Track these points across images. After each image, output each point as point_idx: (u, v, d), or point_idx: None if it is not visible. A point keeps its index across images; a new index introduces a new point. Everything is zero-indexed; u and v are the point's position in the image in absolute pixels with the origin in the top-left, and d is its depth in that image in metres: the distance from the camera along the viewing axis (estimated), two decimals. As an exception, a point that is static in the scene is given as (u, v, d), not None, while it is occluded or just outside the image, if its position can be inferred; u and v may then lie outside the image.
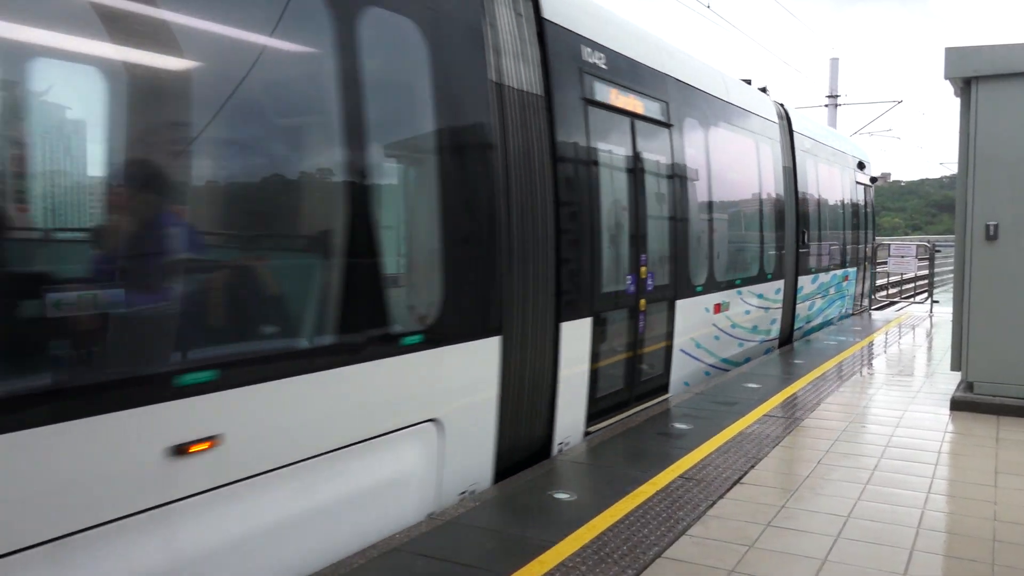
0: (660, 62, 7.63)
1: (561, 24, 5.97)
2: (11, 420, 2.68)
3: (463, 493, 4.86)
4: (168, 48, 3.29)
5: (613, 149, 6.67)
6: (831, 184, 13.26)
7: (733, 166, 9.32)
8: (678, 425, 6.51)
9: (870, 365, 9.60)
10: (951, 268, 8.53)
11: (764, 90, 11.29)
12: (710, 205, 8.54)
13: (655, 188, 7.35)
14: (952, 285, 7.99)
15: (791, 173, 11.16)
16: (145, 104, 3.28)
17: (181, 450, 3.21)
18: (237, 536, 3.49)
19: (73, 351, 2.97)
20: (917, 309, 16.54)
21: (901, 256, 16.08)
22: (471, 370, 4.88)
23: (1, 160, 2.88)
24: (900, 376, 8.93)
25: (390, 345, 4.21)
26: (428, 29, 4.59)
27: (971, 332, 7.21)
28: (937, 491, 5.02)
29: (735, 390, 7.93)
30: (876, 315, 15.43)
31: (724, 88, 9.24)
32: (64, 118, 3.24)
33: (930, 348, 11.15)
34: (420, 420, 4.51)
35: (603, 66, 6.48)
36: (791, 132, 11.33)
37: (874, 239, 16.85)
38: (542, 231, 5.54)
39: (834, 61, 28.55)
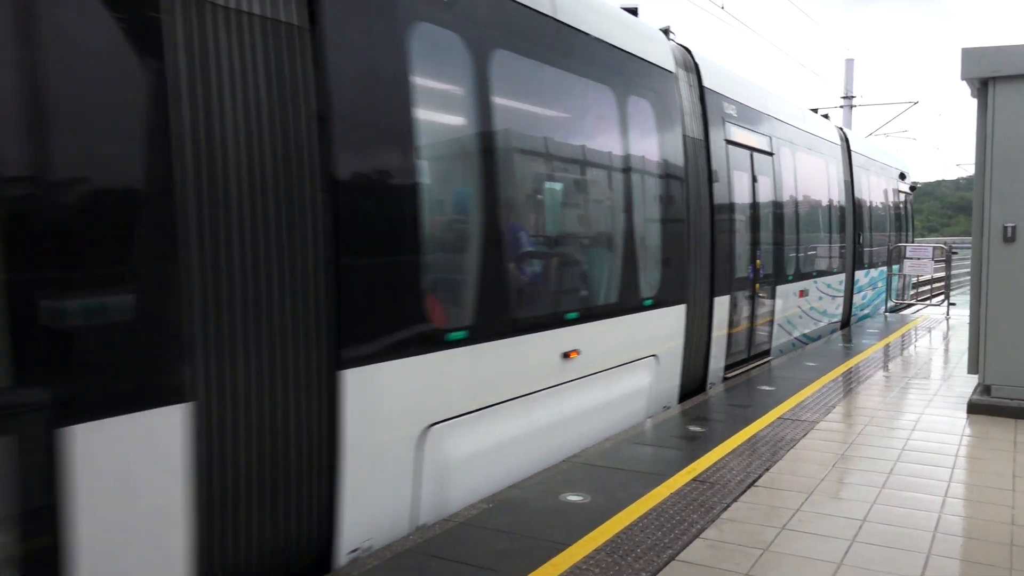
0: (765, 104, 10.02)
1: (713, 88, 8.38)
2: (524, 328, 5.24)
3: (665, 407, 7.40)
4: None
5: (741, 173, 8.92)
6: (879, 193, 15.89)
7: (810, 181, 11.55)
8: (693, 427, 6.49)
9: (886, 368, 9.54)
10: (967, 270, 8.66)
11: (827, 116, 14.23)
12: (796, 212, 10.80)
13: (765, 200, 9.72)
14: (969, 287, 7.92)
15: (849, 185, 13.61)
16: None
17: (566, 356, 5.75)
18: (585, 406, 6.09)
19: (546, 297, 5.84)
20: (933, 311, 16.42)
21: (917, 258, 15.96)
22: (672, 325, 7.37)
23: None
24: (916, 379, 8.87)
25: (640, 304, 6.77)
26: (658, 106, 7.21)
27: (988, 335, 7.16)
28: (954, 495, 4.98)
29: (749, 393, 7.90)
30: (892, 317, 15.33)
31: (803, 120, 11.70)
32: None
33: (947, 351, 11.07)
34: (649, 355, 7.05)
35: (735, 114, 8.85)
36: (849, 151, 13.79)
37: (913, 240, 19.25)
38: (705, 234, 7.97)
39: (849, 62, 28.43)
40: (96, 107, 2.92)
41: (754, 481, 5.14)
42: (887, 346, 11.25)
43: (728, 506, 4.69)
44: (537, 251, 5.62)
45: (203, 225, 3.25)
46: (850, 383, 8.47)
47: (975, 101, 7.28)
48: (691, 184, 7.71)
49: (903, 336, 12.38)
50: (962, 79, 7.17)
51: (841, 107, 28.35)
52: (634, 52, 6.82)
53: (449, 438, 4.64)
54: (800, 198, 10.94)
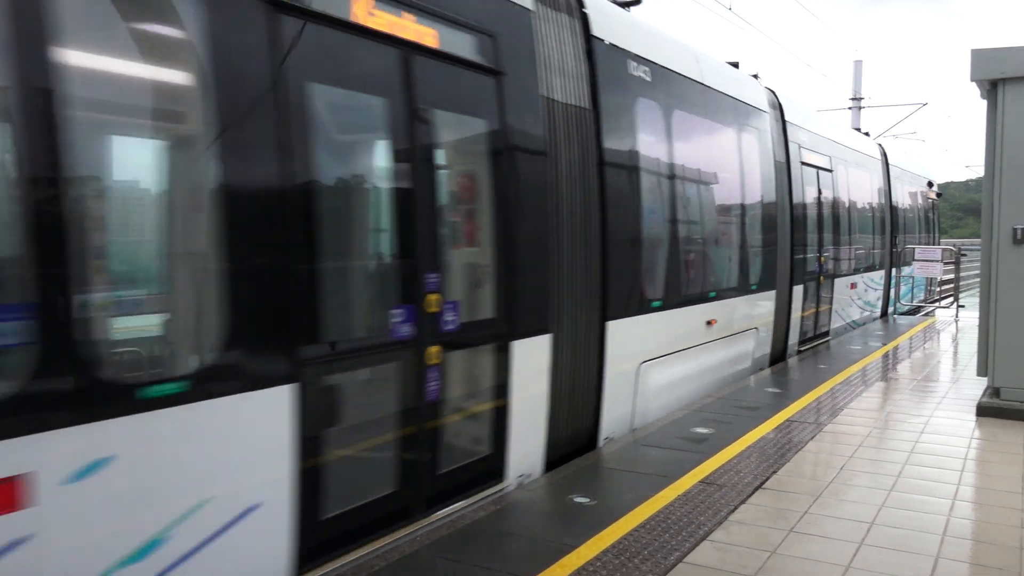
0: (825, 130, 12.29)
1: (791, 121, 10.63)
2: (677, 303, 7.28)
3: (760, 369, 9.46)
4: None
5: (810, 188, 11.14)
6: (911, 199, 18.19)
7: (858, 191, 13.75)
8: (700, 430, 6.48)
9: (895, 370, 9.51)
10: (977, 272, 8.75)
11: (867, 134, 17.08)
12: (849, 218, 12.96)
13: (826, 209, 11.88)
14: (979, 289, 7.89)
15: (887, 194, 15.78)
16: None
17: (708, 323, 7.85)
18: (717, 361, 8.26)
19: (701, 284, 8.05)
20: (943, 313, 16.35)
21: (927, 260, 15.89)
22: (767, 306, 9.48)
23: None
24: (925, 381, 8.84)
25: (749, 288, 8.94)
26: (759, 138, 9.46)
27: (998, 337, 7.12)
28: (963, 498, 4.96)
29: (757, 395, 7.89)
30: (901, 320, 15.28)
31: (852, 139, 14.23)
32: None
33: (956, 353, 11.02)
34: (753, 327, 9.13)
35: (806, 140, 11.12)
36: (887, 164, 15.91)
37: (939, 241, 21.14)
38: (787, 236, 10.14)
39: (858, 63, 28.34)
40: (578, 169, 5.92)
41: (762, 483, 5.13)
42: (896, 348, 11.22)
43: (736, 508, 4.68)
44: (694, 250, 7.88)
45: (783, 234, 9.59)
46: (858, 385, 8.45)
47: (984, 102, 7.25)
48: (779, 197, 9.96)
49: (912, 338, 12.33)
50: (971, 80, 7.15)
51: (850, 108, 28.27)
52: (743, 100, 9.13)
53: (650, 373, 6.89)
54: (851, 206, 13.19)
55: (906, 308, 17.09)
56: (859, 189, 13.71)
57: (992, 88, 7.10)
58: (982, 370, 7.45)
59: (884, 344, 11.59)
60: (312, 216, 3.72)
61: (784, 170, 10.18)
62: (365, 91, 4.21)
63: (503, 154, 4.98)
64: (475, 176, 5.02)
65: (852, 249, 13.14)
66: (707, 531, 4.33)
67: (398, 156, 4.27)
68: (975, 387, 8.08)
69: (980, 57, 7.06)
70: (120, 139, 3.48)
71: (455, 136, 4.90)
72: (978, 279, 8.03)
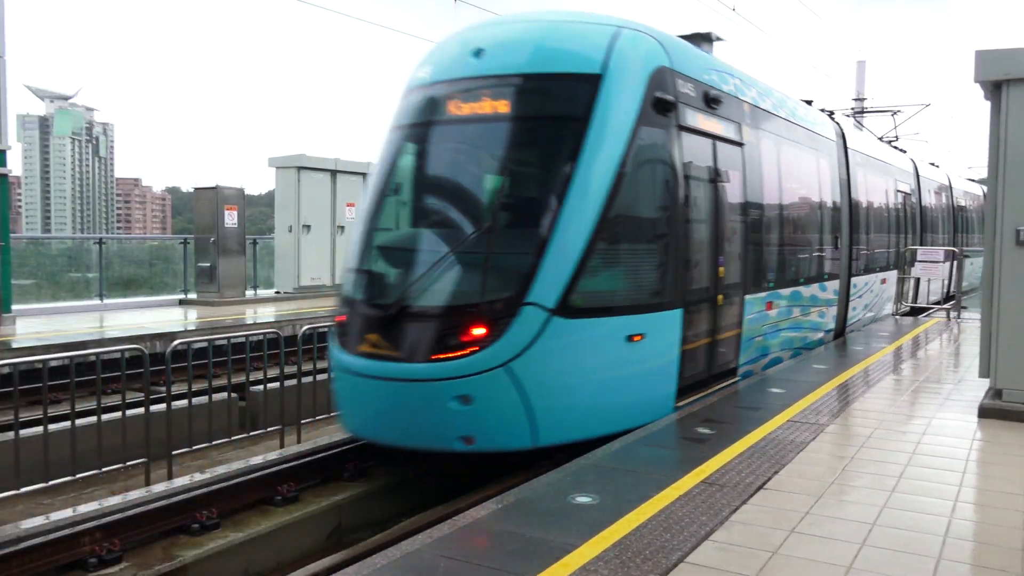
0: (875, 151, 15.54)
1: (851, 146, 13.24)
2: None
3: (827, 341, 11.76)
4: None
5: (860, 199, 13.49)
6: (937, 204, 21.13)
7: (896, 199, 16.50)
8: (701, 430, 6.48)
9: (897, 371, 9.51)
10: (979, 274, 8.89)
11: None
12: (887, 222, 15.64)
13: (875, 215, 14.62)
14: (981, 291, 7.88)
15: (918, 200, 18.58)
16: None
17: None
18: (809, 326, 11.09)
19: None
20: (945, 315, 16.32)
21: (929, 261, 15.86)
22: (834, 290, 11.98)
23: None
24: (927, 382, 8.83)
25: (825, 276, 11.62)
26: (831, 161, 12.05)
27: (1000, 338, 7.11)
28: (964, 499, 4.96)
29: (759, 395, 7.88)
30: (904, 320, 15.26)
31: (892, 155, 17.14)
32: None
33: (958, 354, 11.02)
34: (827, 306, 11.77)
35: (861, 161, 13.76)
36: (918, 175, 18.85)
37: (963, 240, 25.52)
38: (847, 236, 12.58)
39: (861, 64, 28.29)
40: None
41: (763, 484, 5.13)
42: (898, 349, 11.21)
43: (737, 508, 4.68)
44: (798, 249, 10.70)
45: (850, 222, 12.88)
46: (860, 386, 8.44)
47: (988, 104, 7.23)
48: (842, 208, 12.54)
49: (914, 339, 12.32)
50: (975, 82, 7.13)
51: (852, 109, 28.20)
52: (819, 132, 11.75)
53: (765, 330, 9.43)
54: (891, 212, 16.07)
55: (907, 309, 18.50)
56: (897, 197, 16.81)
57: (996, 89, 7.08)
58: (984, 371, 7.44)
59: (887, 344, 11.58)
60: (766, 226, 9.47)
61: (846, 186, 12.81)
62: (800, 165, 10.84)
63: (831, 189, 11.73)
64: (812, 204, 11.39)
65: (890, 249, 15.81)
66: (709, 531, 4.32)
67: (805, 194, 11.10)
68: (977, 389, 8.07)
69: (984, 58, 7.04)
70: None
71: (815, 181, 11.40)
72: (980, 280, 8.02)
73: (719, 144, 8.00)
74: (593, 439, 6.16)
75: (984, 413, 7.09)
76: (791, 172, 10.30)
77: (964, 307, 15.83)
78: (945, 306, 17.68)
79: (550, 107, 6.78)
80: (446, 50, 7.28)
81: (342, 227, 17.81)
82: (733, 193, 8.35)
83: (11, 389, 6.75)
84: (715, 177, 7.89)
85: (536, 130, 6.83)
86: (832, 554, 4.07)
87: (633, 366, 6.80)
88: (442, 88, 6.94)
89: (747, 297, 8.61)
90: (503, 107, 6.72)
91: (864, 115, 24.90)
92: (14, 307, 12.75)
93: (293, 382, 8.49)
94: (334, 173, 17.70)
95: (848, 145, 13.08)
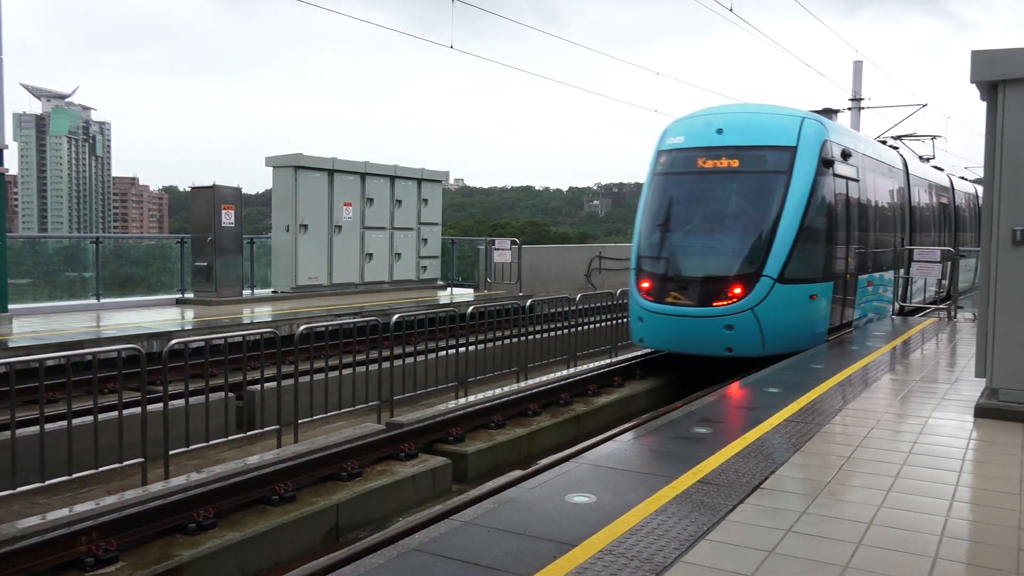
0: (924, 172, 18.92)
1: (911, 172, 17.25)
2: None
3: (892, 317, 15.35)
4: None
5: (915, 210, 17.22)
6: (965, 209, 24.62)
7: (937, 208, 19.93)
8: (698, 429, 6.49)
9: (893, 370, 9.52)
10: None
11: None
12: (932, 225, 19.27)
13: (924, 223, 18.18)
14: (978, 290, 7.90)
15: (952, 207, 22.04)
16: None
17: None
18: (883, 302, 15.28)
19: None
20: (941, 315, 16.35)
21: (925, 261, 15.90)
22: (893, 278, 15.88)
23: None
24: (924, 382, 8.84)
25: (891, 266, 15.76)
26: (903, 183, 16.80)
27: (996, 338, 7.13)
28: (961, 499, 4.97)
29: (756, 395, 7.89)
30: (899, 320, 15.29)
31: (935, 174, 20.90)
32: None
33: (954, 354, 11.03)
34: (891, 289, 15.95)
35: (917, 183, 17.59)
36: (953, 187, 22.48)
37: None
38: (907, 238, 16.37)
39: (857, 64, 28.29)
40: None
41: (760, 483, 5.14)
42: (894, 349, 11.23)
43: (733, 508, 4.69)
44: (881, 246, 14.35)
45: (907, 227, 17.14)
46: (857, 386, 8.45)
47: (984, 104, 7.24)
48: (904, 216, 16.35)
49: (910, 339, 12.34)
50: (971, 82, 7.14)
51: (849, 109, 28.23)
52: (893, 164, 16.18)
53: (860, 301, 13.32)
54: (934, 217, 19.61)
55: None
56: (938, 206, 20.17)
57: (992, 90, 7.10)
58: (980, 371, 7.45)
59: (883, 344, 11.60)
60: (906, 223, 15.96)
61: (907, 201, 16.89)
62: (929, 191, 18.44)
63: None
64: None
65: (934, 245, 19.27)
66: (705, 530, 4.33)
67: (929, 206, 18.37)
68: (974, 388, 8.09)
69: (980, 59, 7.05)
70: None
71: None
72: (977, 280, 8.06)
73: (849, 181, 12.71)
74: (786, 354, 10.60)
75: (980, 413, 7.10)
76: (881, 194, 14.93)
77: (961, 307, 15.90)
78: (942, 306, 17.70)
79: (767, 165, 11.47)
80: (695, 126, 12.14)
81: (339, 226, 17.79)
82: (853, 211, 12.95)
83: (7, 388, 6.74)
84: (847, 202, 12.59)
85: (760, 179, 11.51)
86: (829, 554, 4.07)
87: (812, 314, 11.58)
88: (698, 152, 11.83)
89: (860, 277, 13.34)
90: (738, 164, 11.56)
91: (862, 111, 25.88)
92: (10, 306, 12.72)
93: (290, 381, 8.49)
94: (331, 172, 17.67)
95: (909, 170, 17.49)
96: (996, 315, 7.12)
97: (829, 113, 15.51)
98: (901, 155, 17.43)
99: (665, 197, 11.98)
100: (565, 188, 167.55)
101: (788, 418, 6.91)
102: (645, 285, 11.53)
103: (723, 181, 11.68)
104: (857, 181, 13.05)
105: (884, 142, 18.49)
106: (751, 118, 12.16)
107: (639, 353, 12.64)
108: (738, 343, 10.80)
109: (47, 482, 6.54)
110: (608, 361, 12.44)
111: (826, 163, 11.66)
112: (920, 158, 21.79)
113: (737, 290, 10.82)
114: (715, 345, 10.90)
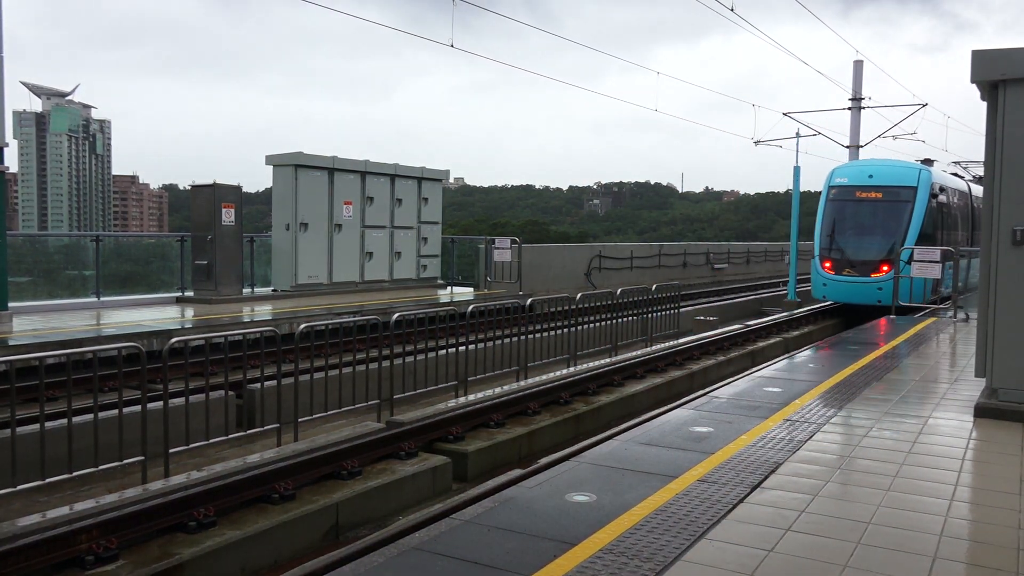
0: (961, 186, 24.94)
1: (973, 193, 25.50)
2: None
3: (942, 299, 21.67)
4: None
5: (959, 214, 23.58)
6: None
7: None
8: (699, 429, 6.49)
9: (894, 369, 9.52)
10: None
11: (977, 180, 28.81)
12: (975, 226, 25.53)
13: (964, 224, 25.12)
14: (978, 290, 7.91)
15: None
16: None
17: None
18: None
19: None
20: (941, 314, 16.37)
21: (926, 261, 15.91)
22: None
23: None
24: (924, 381, 8.85)
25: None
26: (969, 203, 25.22)
27: (996, 338, 7.13)
28: (960, 498, 4.98)
29: (756, 394, 7.90)
30: (900, 319, 15.30)
31: (970, 184, 26.28)
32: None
33: (954, 353, 11.04)
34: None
35: (978, 200, 23.62)
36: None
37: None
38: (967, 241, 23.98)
39: (857, 63, 28.28)
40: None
41: (760, 483, 5.14)
42: (894, 348, 11.23)
43: (734, 507, 4.69)
44: (959, 245, 21.77)
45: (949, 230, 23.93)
46: (857, 385, 8.46)
47: (985, 104, 7.24)
48: (969, 222, 23.30)
49: (910, 338, 12.34)
50: (972, 82, 7.14)
51: (849, 109, 28.23)
52: (963, 189, 24.62)
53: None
54: (975, 221, 24.78)
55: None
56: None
57: (993, 89, 7.10)
58: (980, 371, 7.46)
59: (884, 345, 11.60)
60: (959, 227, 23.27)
61: (970, 214, 23.79)
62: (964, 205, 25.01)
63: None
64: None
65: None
66: (705, 530, 4.33)
67: (962, 215, 24.65)
68: (973, 388, 8.09)
69: (981, 59, 7.05)
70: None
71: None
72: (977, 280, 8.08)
73: (943, 205, 20.68)
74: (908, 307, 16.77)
75: (980, 412, 7.11)
76: (960, 210, 23.23)
77: (960, 307, 15.89)
78: (942, 306, 17.75)
79: (900, 197, 20.16)
80: (853, 172, 21.27)
81: (339, 225, 17.79)
82: (947, 222, 21.09)
83: (8, 386, 6.74)
84: (944, 218, 20.57)
85: (895, 204, 20.17)
86: (829, 553, 4.08)
87: (923, 284, 18.58)
88: (856, 187, 20.73)
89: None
90: (882, 196, 20.41)
91: (863, 110, 26.57)
92: (10, 304, 12.73)
93: (290, 380, 8.49)
94: (332, 171, 17.66)
95: (971, 192, 24.99)
96: (996, 315, 7.12)
97: (929, 162, 23.09)
98: (967, 182, 26.37)
99: (837, 214, 20.77)
100: (565, 187, 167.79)
101: (787, 417, 6.91)
102: (827, 265, 20.42)
103: (873, 205, 20.41)
104: (948, 204, 21.60)
105: (956, 174, 27.56)
106: (889, 168, 21.04)
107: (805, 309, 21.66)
108: (884, 297, 18.59)
109: (47, 480, 6.54)
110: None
111: (933, 195, 20.12)
112: (974, 179, 29.13)
113: (884, 268, 19.46)
114: (871, 298, 19.61)
